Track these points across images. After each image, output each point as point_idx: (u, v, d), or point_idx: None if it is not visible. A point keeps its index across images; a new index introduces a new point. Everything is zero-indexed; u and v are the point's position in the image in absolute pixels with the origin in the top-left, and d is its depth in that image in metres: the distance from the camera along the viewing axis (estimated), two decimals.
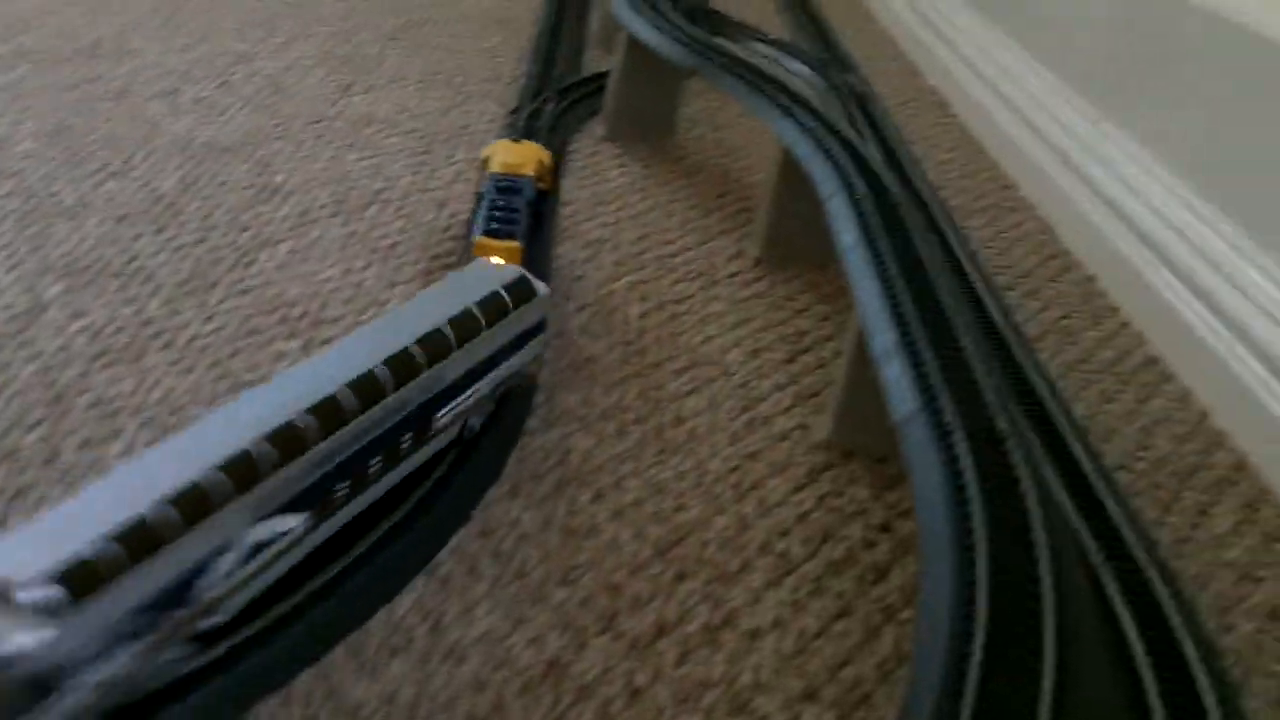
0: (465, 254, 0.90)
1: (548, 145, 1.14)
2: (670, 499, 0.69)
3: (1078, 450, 0.74)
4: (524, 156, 1.00)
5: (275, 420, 0.53)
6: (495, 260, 0.78)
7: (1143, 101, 1.06)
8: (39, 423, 0.70)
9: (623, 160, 1.21)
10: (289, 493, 0.53)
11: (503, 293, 0.68)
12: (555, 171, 1.06)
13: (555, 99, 1.31)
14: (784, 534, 0.67)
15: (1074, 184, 1.14)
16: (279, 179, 1.07)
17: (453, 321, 0.64)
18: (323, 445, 0.54)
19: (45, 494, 0.64)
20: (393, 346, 0.60)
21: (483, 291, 0.67)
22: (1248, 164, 0.88)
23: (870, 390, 0.68)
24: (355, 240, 0.97)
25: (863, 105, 1.47)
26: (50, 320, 0.81)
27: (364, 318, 0.85)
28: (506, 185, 0.95)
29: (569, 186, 1.13)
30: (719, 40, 1.20)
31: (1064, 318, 0.98)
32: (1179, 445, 0.81)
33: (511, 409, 0.75)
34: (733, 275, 0.99)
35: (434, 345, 0.62)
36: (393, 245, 0.97)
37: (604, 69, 1.35)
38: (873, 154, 0.95)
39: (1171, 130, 1.00)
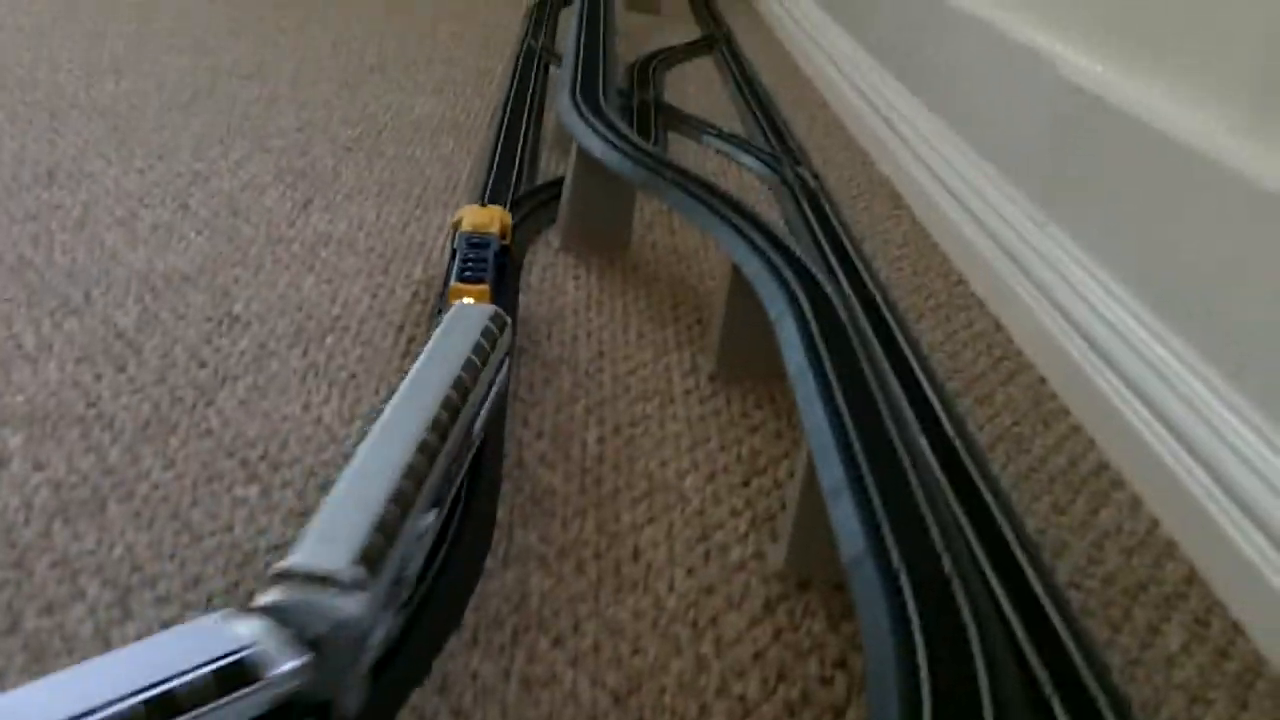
0: (443, 300, 1.05)
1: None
2: (628, 642, 0.70)
3: (1030, 573, 0.76)
4: (490, 217, 1.16)
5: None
6: (469, 300, 1.00)
7: (1084, 205, 1.09)
8: (0, 587, 0.70)
9: (578, 272, 1.23)
10: (434, 495, 0.69)
11: (492, 324, 0.86)
12: (514, 229, 1.20)
13: (510, 211, 1.33)
14: (741, 674, 0.68)
15: (1022, 284, 1.16)
16: (238, 308, 1.08)
17: (474, 349, 0.81)
18: (439, 461, 0.70)
19: (4, 667, 0.64)
20: (446, 382, 0.76)
21: (482, 323, 0.85)
22: (1183, 274, 0.91)
23: (822, 519, 0.69)
24: (314, 373, 0.98)
25: (814, 200, 1.50)
26: (12, 475, 0.81)
27: (323, 457, 0.86)
28: (476, 241, 1.12)
29: (527, 304, 1.15)
30: (668, 153, 1.22)
31: (1015, 424, 1.00)
32: (1129, 558, 0.82)
33: (470, 550, 0.76)
34: (689, 392, 1.00)
35: (470, 371, 0.78)
36: (351, 376, 0.98)
37: (560, 175, 1.38)
38: (821, 269, 0.97)
39: (1112, 236, 1.03)
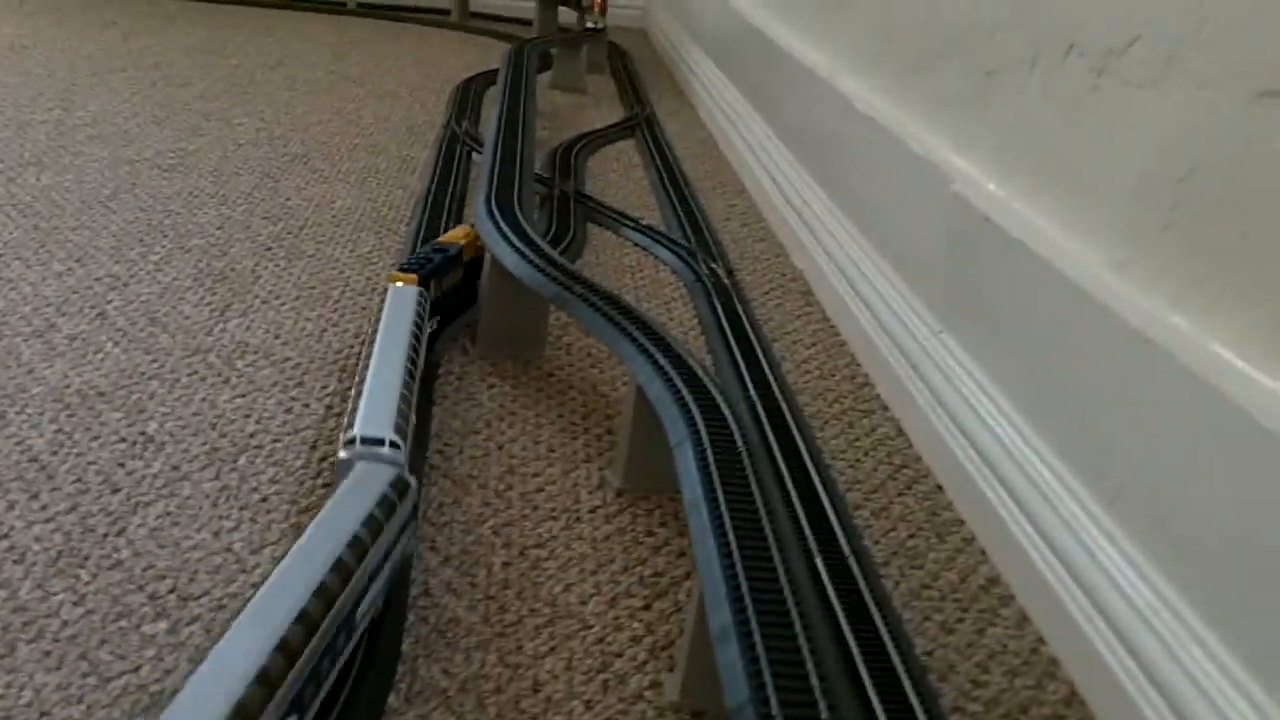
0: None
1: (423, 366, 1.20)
2: None
3: (914, 702, 0.79)
4: (455, 235, 1.35)
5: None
6: (398, 284, 1.18)
7: (976, 319, 1.13)
8: None
9: (493, 380, 1.26)
10: (292, 700, 0.62)
11: (391, 491, 0.80)
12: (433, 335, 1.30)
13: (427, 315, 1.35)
14: None
15: (920, 390, 1.21)
16: (152, 427, 1.09)
17: (366, 523, 0.75)
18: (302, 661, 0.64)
19: None
20: (324, 568, 0.69)
21: (379, 492, 0.79)
22: (1063, 397, 0.95)
23: (712, 654, 0.72)
24: (226, 496, 0.99)
25: (726, 299, 1.54)
26: None
27: (231, 589, 0.87)
28: (438, 247, 1.30)
29: (441, 416, 1.17)
30: (586, 246, 1.24)
31: (911, 537, 1.04)
32: (1013, 679, 0.86)
33: (372, 689, 0.78)
34: (595, 509, 1.03)
35: (355, 550, 0.73)
36: (263, 499, 0.99)
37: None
38: (732, 376, 1.00)
39: (1001, 352, 1.07)
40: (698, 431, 0.92)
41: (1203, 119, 0.82)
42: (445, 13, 3.88)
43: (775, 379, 1.30)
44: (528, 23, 3.79)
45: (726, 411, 0.96)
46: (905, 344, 1.27)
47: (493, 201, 1.40)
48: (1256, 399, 0.72)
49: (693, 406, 0.96)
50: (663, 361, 1.04)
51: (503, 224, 1.32)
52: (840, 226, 1.57)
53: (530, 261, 1.23)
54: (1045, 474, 0.95)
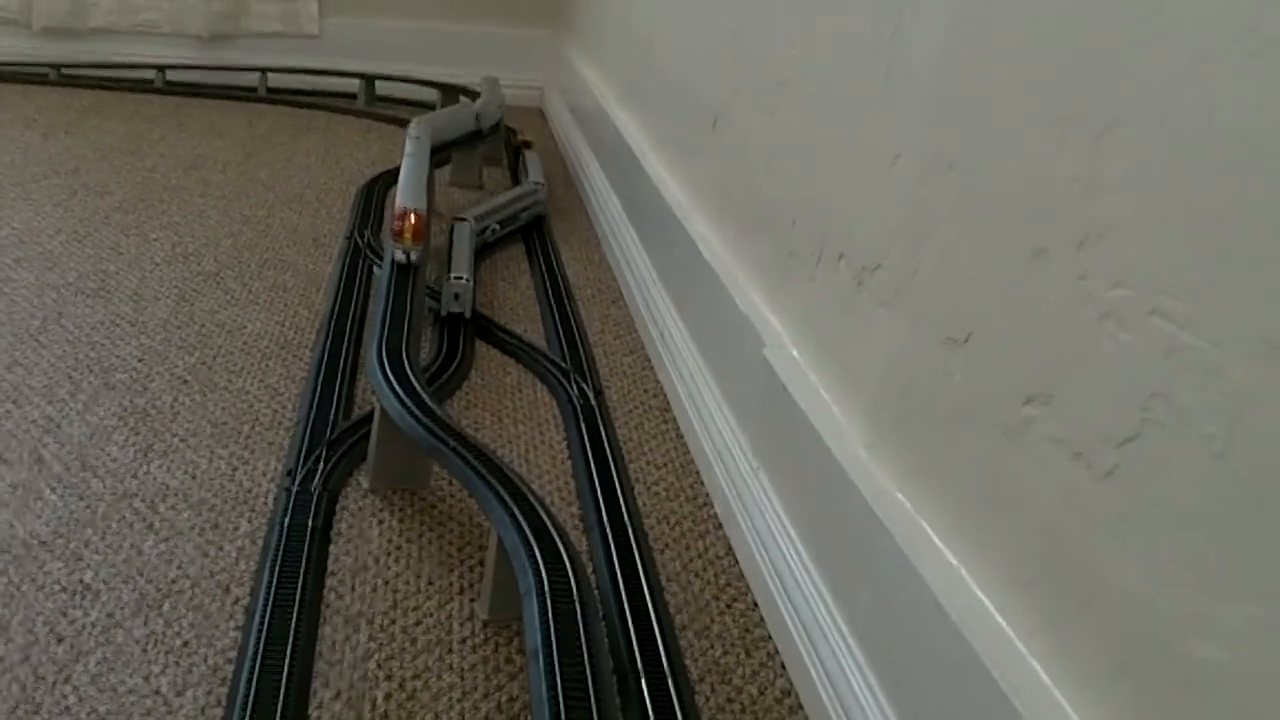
0: None
1: (317, 506, 1.41)
2: None
3: None
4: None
5: None
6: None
7: (779, 465, 1.37)
8: None
9: (383, 516, 1.47)
10: None
11: None
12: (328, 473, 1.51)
13: (325, 453, 1.56)
14: None
15: (743, 515, 1.44)
16: (89, 576, 1.29)
17: None
18: None
19: None
20: None
21: None
22: (836, 543, 1.19)
23: None
24: (154, 642, 1.20)
25: (592, 421, 1.76)
26: None
27: None
28: None
29: (335, 554, 1.38)
30: (453, 423, 1.45)
31: (724, 653, 1.27)
32: None
33: None
34: (464, 640, 1.25)
35: None
36: (185, 644, 1.20)
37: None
38: (567, 546, 1.23)
39: (792, 496, 1.31)
40: (542, 584, 1.15)
41: (915, 346, 1.07)
42: (352, 97, 4.07)
43: (627, 505, 1.53)
44: (431, 106, 4.01)
45: (568, 565, 1.19)
46: (733, 472, 1.50)
47: (383, 351, 1.61)
48: (937, 574, 0.96)
49: (539, 559, 1.18)
50: (518, 514, 1.26)
51: (391, 377, 1.53)
52: (691, 355, 1.80)
53: (412, 414, 1.44)
54: (819, 604, 1.19)
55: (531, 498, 1.29)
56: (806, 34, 1.48)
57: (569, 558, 1.19)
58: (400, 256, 1.92)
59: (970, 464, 0.97)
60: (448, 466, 1.37)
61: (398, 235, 1.94)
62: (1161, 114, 0.74)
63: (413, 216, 1.94)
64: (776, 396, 1.37)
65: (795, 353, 1.40)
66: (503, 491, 1.30)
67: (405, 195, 2.02)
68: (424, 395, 1.50)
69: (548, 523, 1.25)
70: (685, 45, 2.21)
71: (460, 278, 2.09)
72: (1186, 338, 0.71)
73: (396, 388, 1.51)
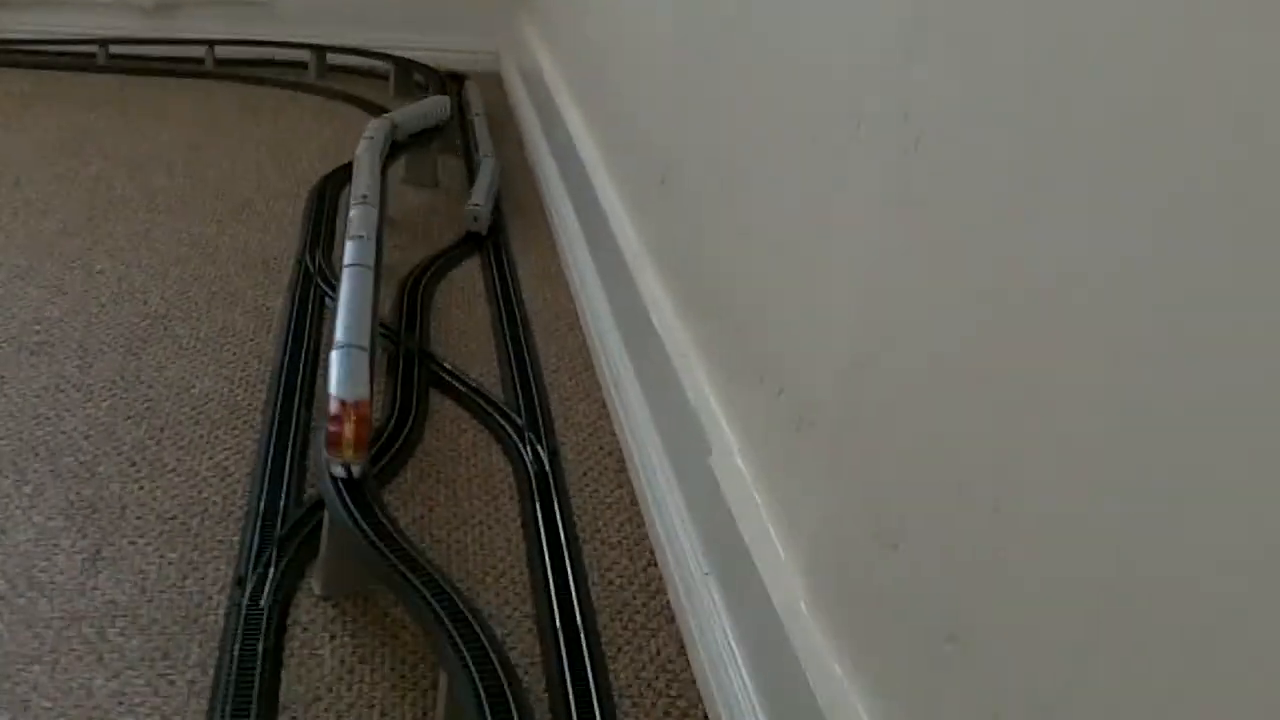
0: None
1: (268, 625, 1.41)
2: None
3: None
4: None
5: None
6: None
7: (728, 580, 1.37)
8: None
9: (335, 629, 1.46)
10: None
11: None
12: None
13: (276, 554, 1.55)
14: None
15: (694, 617, 1.44)
16: None
17: None
18: None
19: None
20: None
21: None
22: (771, 687, 1.19)
23: None
24: None
25: (544, 488, 1.76)
26: None
27: None
28: None
29: (288, 681, 1.38)
30: (410, 549, 1.43)
31: None
32: None
33: None
34: None
35: None
36: None
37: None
38: (513, 682, 1.23)
39: (740, 623, 1.31)
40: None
41: (845, 533, 1.06)
42: (303, 66, 3.98)
43: (580, 604, 1.52)
44: (384, 77, 3.92)
45: (513, 708, 1.19)
46: (684, 567, 1.50)
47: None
48: None
49: (483, 694, 1.19)
50: (464, 648, 1.26)
51: (347, 499, 1.50)
52: (644, 419, 1.79)
53: (363, 539, 1.43)
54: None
55: (479, 632, 1.29)
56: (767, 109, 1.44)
57: (513, 692, 1.20)
58: (340, 471, 1.49)
59: (904, 666, 0.97)
60: (397, 595, 1.37)
61: (333, 444, 1.47)
62: None
63: (353, 417, 1.47)
64: (721, 513, 1.36)
65: (740, 463, 1.39)
66: (454, 633, 1.30)
67: (340, 376, 1.53)
68: (381, 514, 1.47)
69: (493, 657, 1.25)
70: (636, 88, 2.15)
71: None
72: None
73: (354, 510, 1.48)
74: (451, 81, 3.74)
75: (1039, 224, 0.79)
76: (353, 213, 2.17)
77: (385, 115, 2.85)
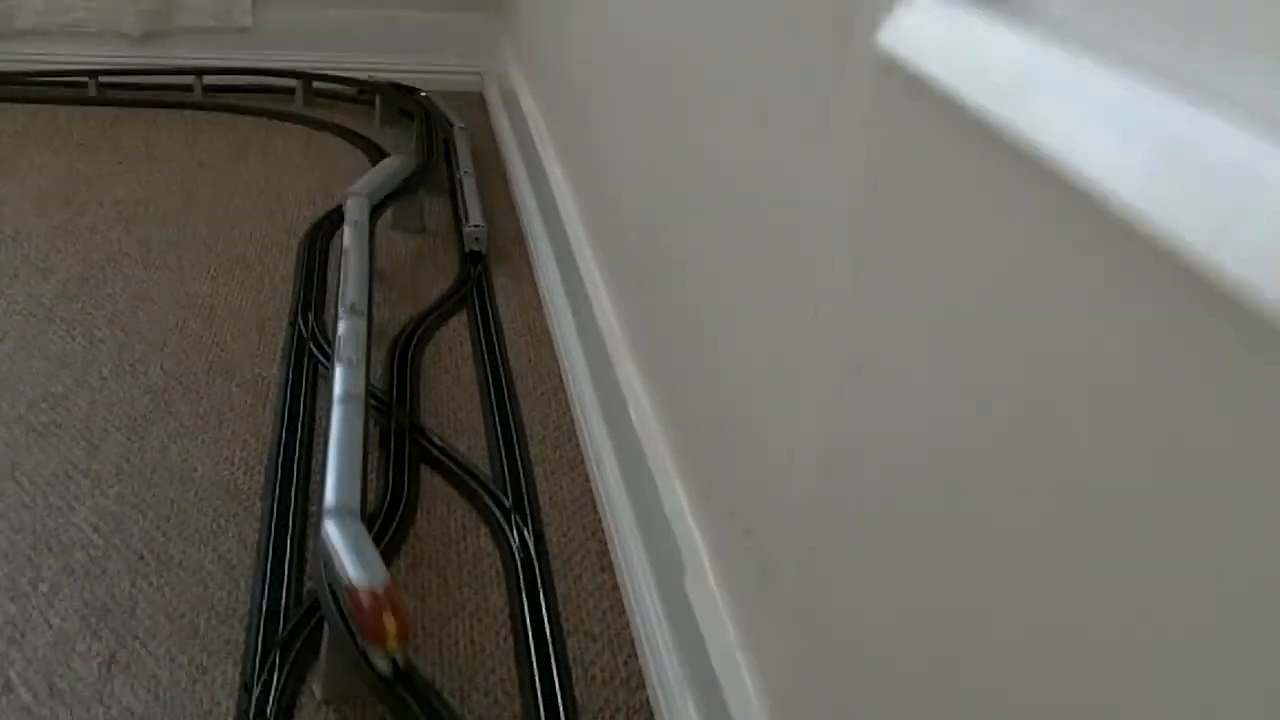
0: None
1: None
2: None
3: None
4: None
5: None
6: None
7: (703, 704, 1.47)
8: None
9: None
10: None
11: None
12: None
13: (279, 657, 1.66)
14: None
15: (669, 696, 1.55)
16: None
17: None
18: None
19: None
20: None
21: None
22: None
23: None
24: None
25: (530, 575, 1.86)
26: None
27: None
28: None
29: None
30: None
31: None
32: None
33: None
34: None
35: None
36: None
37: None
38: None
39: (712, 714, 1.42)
40: None
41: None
42: (290, 92, 4.04)
43: (564, 705, 1.63)
44: (370, 102, 3.99)
45: None
46: (662, 672, 1.60)
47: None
48: None
49: None
50: None
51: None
52: (624, 511, 1.88)
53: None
54: None
55: None
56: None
57: None
58: (385, 666, 1.40)
59: None
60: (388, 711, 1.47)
61: (376, 639, 1.37)
62: None
63: (388, 605, 1.37)
64: (694, 641, 1.46)
65: (714, 586, 1.49)
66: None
67: (353, 560, 1.44)
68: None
69: None
70: (622, 153, 2.23)
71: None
72: None
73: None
74: (435, 118, 3.81)
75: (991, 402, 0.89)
76: (341, 328, 2.12)
77: (355, 191, 2.81)
